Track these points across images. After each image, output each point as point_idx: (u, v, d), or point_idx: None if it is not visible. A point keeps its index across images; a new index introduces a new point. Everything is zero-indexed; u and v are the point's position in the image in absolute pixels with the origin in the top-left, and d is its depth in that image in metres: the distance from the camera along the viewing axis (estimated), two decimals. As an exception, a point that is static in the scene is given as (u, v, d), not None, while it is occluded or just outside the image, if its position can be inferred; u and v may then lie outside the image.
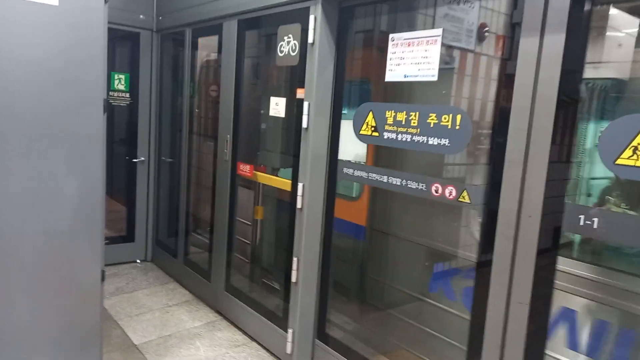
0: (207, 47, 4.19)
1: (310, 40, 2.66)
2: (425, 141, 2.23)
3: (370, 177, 2.55)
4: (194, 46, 4.11)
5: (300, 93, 2.79)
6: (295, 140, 2.85)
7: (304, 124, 2.73)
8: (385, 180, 2.46)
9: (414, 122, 2.29)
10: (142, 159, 4.52)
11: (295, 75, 3.02)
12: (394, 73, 2.42)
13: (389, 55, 2.44)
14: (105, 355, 2.85)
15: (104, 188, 2.46)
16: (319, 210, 2.79)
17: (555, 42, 1.73)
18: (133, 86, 4.39)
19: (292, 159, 2.97)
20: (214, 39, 3.74)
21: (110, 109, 4.78)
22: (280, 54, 2.93)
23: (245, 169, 3.38)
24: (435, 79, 2.24)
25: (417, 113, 2.27)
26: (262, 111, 3.57)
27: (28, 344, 2.28)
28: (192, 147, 4.21)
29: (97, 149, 2.43)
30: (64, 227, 2.33)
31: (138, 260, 4.64)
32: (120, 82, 4.33)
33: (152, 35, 4.40)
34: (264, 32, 3.58)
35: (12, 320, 2.23)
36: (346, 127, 2.70)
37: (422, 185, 2.28)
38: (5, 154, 2.15)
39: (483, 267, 2.02)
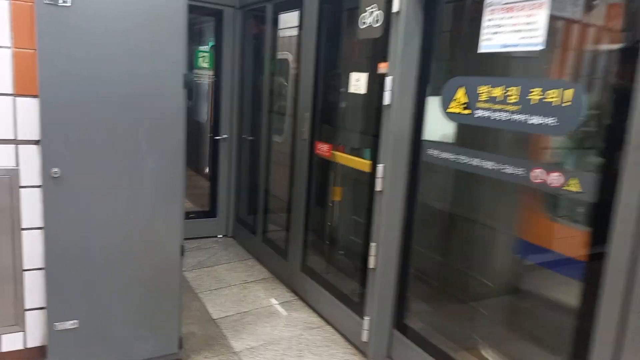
0: (288, 22, 4.10)
1: (395, 8, 2.44)
2: (525, 120, 1.96)
3: (458, 160, 2.31)
4: (275, 22, 4.03)
5: (382, 67, 2.60)
6: (377, 119, 2.68)
7: (386, 101, 2.54)
8: (475, 164, 2.22)
9: (512, 98, 2.02)
10: (225, 136, 4.58)
11: (377, 49, 2.82)
12: (489, 43, 2.15)
13: (484, 23, 2.16)
14: (185, 327, 2.93)
15: (184, 165, 2.47)
16: (400, 193, 2.61)
17: None
18: (217, 64, 4.43)
19: (370, 138, 2.81)
20: (296, 15, 3.64)
21: (195, 86, 4.89)
22: (363, 26, 2.75)
23: (323, 148, 3.26)
24: (541, 47, 1.94)
25: (518, 88, 1.99)
26: (342, 89, 3.41)
27: (112, 312, 2.37)
28: (272, 124, 4.19)
29: (178, 124, 2.44)
30: (146, 203, 2.38)
31: (219, 236, 4.77)
32: (204, 59, 4.38)
33: (235, 12, 4.39)
34: (345, 5, 3.40)
35: (97, 290, 2.33)
36: (432, 105, 2.48)
37: (521, 170, 2.01)
38: (89, 128, 2.21)
39: (590, 266, 1.75)
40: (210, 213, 4.73)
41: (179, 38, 2.39)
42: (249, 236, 4.48)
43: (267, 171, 4.21)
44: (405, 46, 2.46)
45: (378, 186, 2.62)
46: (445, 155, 2.38)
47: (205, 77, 4.45)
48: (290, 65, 4.24)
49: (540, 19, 1.94)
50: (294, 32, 3.75)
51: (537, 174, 1.95)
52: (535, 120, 1.93)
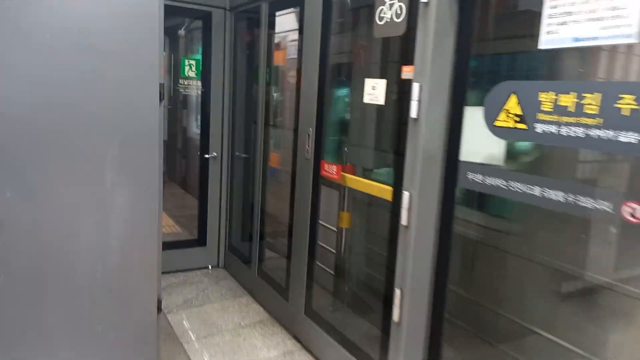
0: (285, 24, 3.61)
1: (424, -2, 1.95)
2: (613, 138, 1.46)
3: (511, 188, 1.80)
4: (271, 24, 3.54)
5: (407, 72, 2.10)
6: (397, 134, 2.17)
7: (413, 113, 2.03)
8: (537, 194, 1.71)
9: (591, 109, 1.52)
10: (214, 154, 4.06)
11: (399, 49, 2.33)
12: (555, 37, 1.65)
13: (547, 12, 1.67)
14: (165, 394, 2.38)
15: (161, 199, 1.95)
16: (432, 228, 2.09)
17: None
18: (205, 73, 3.92)
19: (391, 157, 2.30)
20: (294, 14, 3.15)
21: (182, 98, 4.38)
22: (380, 22, 2.25)
23: (330, 169, 2.75)
24: (633, 40, 1.45)
25: (599, 95, 1.50)
26: (353, 98, 2.92)
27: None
28: (268, 141, 3.67)
29: (152, 146, 1.93)
30: (113, 247, 1.85)
31: (210, 267, 4.22)
32: (191, 68, 3.88)
33: (225, 14, 3.90)
34: (355, 1, 2.92)
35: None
36: (472, 117, 1.98)
37: (606, 204, 1.50)
38: (35, 152, 1.69)
39: None
40: (199, 241, 4.19)
41: (153, 38, 1.89)
42: (242, 267, 3.94)
43: (264, 193, 3.69)
44: (436, 44, 1.96)
45: (403, 219, 2.11)
46: (492, 181, 1.87)
47: (193, 88, 3.94)
48: (289, 72, 3.75)
49: (630, 2, 1.45)
50: (294, 34, 3.26)
51: (634, 210, 1.44)
52: (628, 137, 1.43)
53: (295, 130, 3.05)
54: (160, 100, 1.92)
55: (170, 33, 4.61)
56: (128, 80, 1.89)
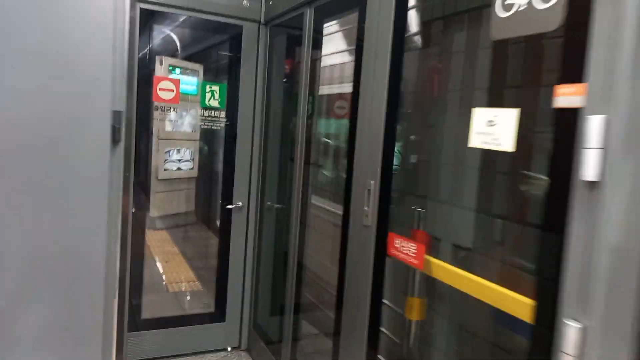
0: (335, 40, 2.76)
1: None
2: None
3: None
4: (316, 39, 2.69)
5: (568, 94, 1.15)
6: (545, 205, 1.21)
7: (588, 172, 1.07)
8: None
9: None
10: (240, 204, 3.18)
11: (544, 57, 1.39)
12: None
13: None
14: None
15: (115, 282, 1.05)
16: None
17: None
18: (231, 102, 3.10)
19: (521, 236, 1.33)
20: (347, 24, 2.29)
21: (201, 133, 3.57)
22: (504, 13, 1.33)
23: (405, 248, 1.78)
24: None
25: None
26: (447, 139, 1.98)
27: None
28: (309, 189, 2.78)
29: (99, 203, 1.07)
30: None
31: (229, 348, 3.27)
32: (213, 95, 3.06)
33: (259, 29, 3.09)
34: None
35: None
36: None
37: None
38: None
39: None
40: (217, 315, 3.27)
41: (105, 34, 1.04)
42: (271, 350, 2.98)
43: (301, 253, 2.77)
44: (641, 42, 1.01)
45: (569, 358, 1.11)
46: None
47: (215, 120, 3.12)
48: (337, 102, 2.88)
49: None
50: (348, 47, 2.39)
51: None
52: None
53: (348, 182, 2.12)
54: (114, 140, 1.05)
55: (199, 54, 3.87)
56: (68, 112, 1.04)
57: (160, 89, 2.84)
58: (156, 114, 3.29)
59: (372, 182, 1.92)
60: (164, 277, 4.68)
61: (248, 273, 3.25)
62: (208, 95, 3.05)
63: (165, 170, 4.95)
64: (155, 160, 3.67)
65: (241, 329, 3.29)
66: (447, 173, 2.04)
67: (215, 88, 3.06)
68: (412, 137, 2.09)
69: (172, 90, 2.88)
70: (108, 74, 1.08)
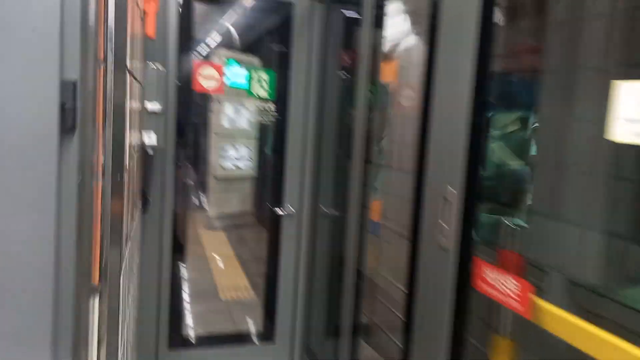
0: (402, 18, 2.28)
1: None
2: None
3: None
4: (379, 16, 2.23)
5: None
6: None
7: None
8: None
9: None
10: (291, 209, 2.79)
11: None
12: None
13: None
14: None
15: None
16: None
17: None
18: (281, 92, 2.71)
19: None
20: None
21: (259, 129, 3.22)
22: None
23: (501, 282, 1.27)
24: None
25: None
26: (541, 130, 1.46)
27: None
28: (369, 193, 2.33)
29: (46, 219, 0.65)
30: None
31: (278, 374, 2.90)
32: (261, 84, 2.69)
33: (314, 8, 2.67)
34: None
35: None
36: None
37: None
38: None
39: None
40: (264, 335, 2.90)
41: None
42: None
43: (361, 265, 2.34)
44: None
45: None
46: None
47: (263, 113, 2.75)
48: (404, 92, 2.42)
49: None
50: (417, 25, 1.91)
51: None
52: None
53: (417, 188, 1.65)
54: (64, 127, 0.66)
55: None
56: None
57: (200, 76, 2.51)
58: (212, 107, 3.06)
59: (452, 189, 1.43)
60: (217, 282, 4.42)
61: (300, 289, 2.85)
62: (255, 84, 2.67)
63: (222, 168, 4.71)
64: (212, 157, 3.52)
65: (292, 352, 2.89)
66: (561, 178, 1.51)
67: (264, 75, 2.68)
68: (510, 128, 1.58)
69: (215, 78, 2.54)
70: (53, 23, 0.71)
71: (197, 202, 5.64)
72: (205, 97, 4.10)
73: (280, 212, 2.77)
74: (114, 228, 1.09)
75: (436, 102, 1.55)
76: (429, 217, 1.55)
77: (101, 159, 0.85)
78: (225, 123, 4.22)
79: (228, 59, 2.83)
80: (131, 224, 1.66)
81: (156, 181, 2.40)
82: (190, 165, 4.70)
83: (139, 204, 2.09)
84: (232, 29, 3.53)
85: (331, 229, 2.80)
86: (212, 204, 5.55)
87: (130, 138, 1.62)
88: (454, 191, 1.42)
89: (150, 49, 2.24)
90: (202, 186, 5.45)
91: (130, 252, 1.66)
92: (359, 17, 2.27)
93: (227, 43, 3.61)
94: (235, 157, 4.17)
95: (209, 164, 4.86)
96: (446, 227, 1.44)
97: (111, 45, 0.86)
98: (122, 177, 1.09)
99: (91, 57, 0.76)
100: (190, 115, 3.13)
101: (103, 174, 0.88)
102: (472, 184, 1.40)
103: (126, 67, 1.04)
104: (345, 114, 2.63)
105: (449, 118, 1.47)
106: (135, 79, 1.49)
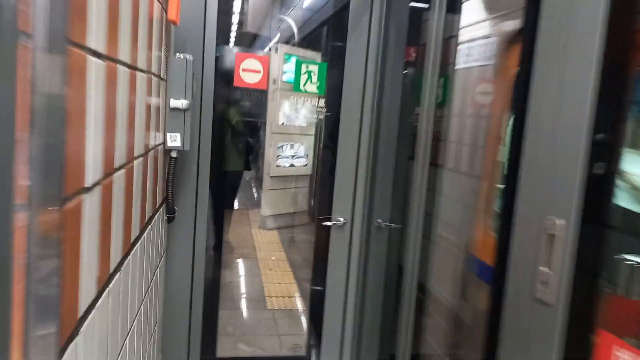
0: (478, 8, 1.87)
1: None
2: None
3: None
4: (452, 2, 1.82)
5: None
6: None
7: None
8: None
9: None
10: (342, 220, 2.43)
11: None
12: None
13: None
14: None
15: None
16: None
17: None
18: (332, 87, 2.36)
19: None
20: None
21: (316, 126, 2.92)
22: None
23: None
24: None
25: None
26: None
27: None
28: (437, 204, 1.94)
29: None
30: None
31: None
32: (310, 78, 2.35)
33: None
34: None
35: None
36: None
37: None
38: None
39: None
40: (308, 358, 2.58)
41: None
42: None
43: (422, 297, 1.95)
44: None
45: None
46: None
47: (313, 110, 2.42)
48: (480, 86, 2.01)
49: None
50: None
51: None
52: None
53: (505, 216, 1.24)
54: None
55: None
56: None
57: (243, 70, 2.21)
58: (270, 105, 2.82)
59: (560, 221, 1.02)
60: (264, 289, 4.15)
61: (349, 312, 2.49)
62: (304, 78, 2.33)
63: (277, 166, 4.47)
64: (268, 155, 3.39)
65: (339, 381, 2.56)
66: None
67: (313, 68, 2.33)
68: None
69: (259, 72, 2.23)
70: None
71: (250, 202, 5.48)
72: (254, 92, 3.85)
73: (328, 223, 2.43)
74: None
75: (534, 103, 1.14)
76: (521, 257, 1.14)
77: (22, 181, 0.54)
78: (282, 120, 3.99)
79: (286, 55, 2.52)
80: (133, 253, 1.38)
81: (186, 187, 2.13)
82: (244, 164, 4.54)
83: (162, 215, 1.81)
84: (290, 21, 3.25)
85: (387, 244, 2.42)
86: (266, 203, 5.36)
87: (147, 140, 1.34)
88: (563, 225, 1.01)
89: (180, 38, 1.96)
90: (257, 184, 5.30)
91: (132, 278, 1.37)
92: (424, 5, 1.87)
93: (282, 37, 3.32)
94: (291, 155, 3.95)
95: (264, 162, 4.67)
96: (551, 273, 1.04)
97: (45, 13, 0.55)
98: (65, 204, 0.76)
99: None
100: (238, 112, 2.90)
101: (29, 204, 0.56)
102: (592, 216, 0.99)
103: (83, 46, 0.73)
104: (408, 113, 2.24)
105: (566, 129, 1.06)
106: (142, 70, 1.19)
